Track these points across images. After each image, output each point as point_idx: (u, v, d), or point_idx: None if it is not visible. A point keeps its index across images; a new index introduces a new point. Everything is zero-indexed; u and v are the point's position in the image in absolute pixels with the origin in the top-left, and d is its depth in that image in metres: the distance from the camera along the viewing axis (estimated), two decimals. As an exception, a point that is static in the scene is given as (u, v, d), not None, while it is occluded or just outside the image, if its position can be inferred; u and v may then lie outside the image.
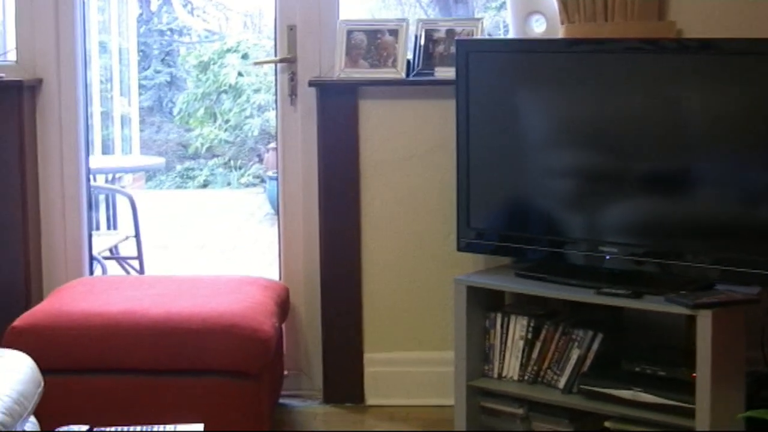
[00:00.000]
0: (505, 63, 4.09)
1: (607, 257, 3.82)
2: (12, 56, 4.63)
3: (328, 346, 4.48)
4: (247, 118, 11.11)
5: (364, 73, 4.36)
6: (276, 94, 4.60)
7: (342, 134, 4.38)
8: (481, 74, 4.04)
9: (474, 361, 4.02)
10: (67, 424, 3.11)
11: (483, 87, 4.05)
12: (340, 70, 4.36)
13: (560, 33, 4.09)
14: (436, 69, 4.33)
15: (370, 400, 4.46)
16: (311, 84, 4.37)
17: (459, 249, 4.16)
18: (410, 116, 4.39)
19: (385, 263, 4.43)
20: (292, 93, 4.47)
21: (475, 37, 4.31)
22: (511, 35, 4.34)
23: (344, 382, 4.46)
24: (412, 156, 4.39)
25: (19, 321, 3.85)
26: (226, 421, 3.73)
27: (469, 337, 3.98)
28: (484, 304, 4.04)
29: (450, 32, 4.33)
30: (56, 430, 3.08)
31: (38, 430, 3.20)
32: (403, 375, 4.44)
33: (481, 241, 4.10)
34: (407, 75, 4.35)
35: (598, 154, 3.94)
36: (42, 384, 3.22)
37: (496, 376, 4.03)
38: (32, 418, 3.17)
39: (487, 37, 4.45)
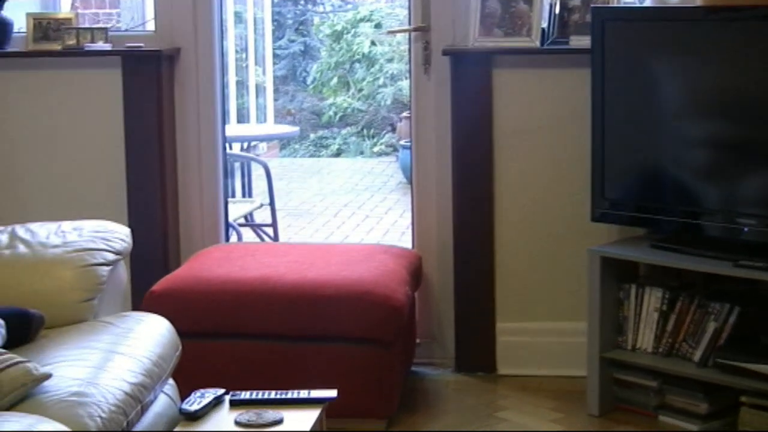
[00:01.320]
0: (641, 31, 4.03)
1: (745, 229, 3.74)
2: (150, 26, 4.73)
3: (460, 315, 4.48)
4: (380, 87, 11.14)
5: (498, 41, 4.34)
6: (410, 63, 4.60)
7: (475, 103, 4.37)
8: (617, 42, 3.99)
9: (607, 332, 3.99)
10: (203, 387, 3.18)
11: (618, 55, 3.99)
12: (474, 39, 4.35)
13: (698, 0, 4.01)
14: (571, 38, 4.28)
15: (502, 369, 4.45)
16: (445, 53, 4.36)
17: (593, 219, 4.12)
18: (544, 85, 4.36)
19: (518, 233, 4.42)
20: (426, 62, 4.47)
21: (611, 4, 4.25)
22: (647, 2, 4.27)
23: (476, 352, 4.47)
24: (546, 125, 4.36)
25: (158, 286, 3.93)
26: (359, 388, 3.76)
27: (602, 308, 3.95)
28: (618, 275, 4.00)
29: (585, 0, 4.27)
30: (193, 392, 3.14)
31: (176, 392, 3.27)
32: (536, 345, 4.42)
33: (615, 212, 4.06)
34: (542, 44, 4.31)
35: (735, 124, 3.85)
36: (179, 347, 3.30)
37: (629, 347, 3.99)
38: (170, 381, 3.24)
39: (623, 4, 4.38)
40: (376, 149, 11.10)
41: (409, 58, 4.60)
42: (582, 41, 4.20)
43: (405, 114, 9.95)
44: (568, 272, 4.34)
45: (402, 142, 9.60)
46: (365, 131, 11.30)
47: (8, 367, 2.65)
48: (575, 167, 4.28)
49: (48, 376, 2.70)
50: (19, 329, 3.01)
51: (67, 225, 3.48)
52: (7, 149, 4.64)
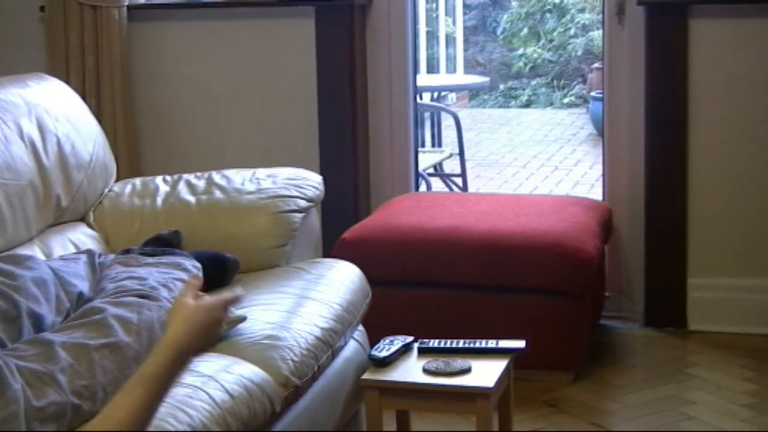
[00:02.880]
0: None
1: None
2: (345, -24, 4.75)
3: (650, 269, 4.41)
4: (571, 37, 11.00)
5: (696, -10, 4.23)
6: (603, 12, 4.52)
7: (671, 54, 4.27)
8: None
9: (804, 290, 3.88)
10: (393, 334, 3.21)
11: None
12: (670, -13, 4.25)
13: None
14: (773, -15, 4.14)
15: (693, 325, 4.37)
16: (640, 2, 4.27)
17: (792, 173, 4.00)
18: (744, 36, 4.23)
19: (712, 186, 4.32)
20: (620, 11, 4.39)
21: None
22: None
23: (666, 306, 4.39)
24: (744, 78, 4.24)
25: (349, 233, 3.99)
26: (547, 339, 3.75)
27: (799, 265, 3.84)
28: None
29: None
30: (382, 339, 3.18)
31: (365, 338, 3.32)
32: (729, 301, 4.33)
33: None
34: (742, -8, 4.19)
35: None
36: (369, 294, 3.34)
37: (827, 306, 3.88)
38: (360, 327, 3.29)
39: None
40: (566, 100, 10.99)
41: (603, 7, 4.52)
42: (784, -11, 4.06)
43: (596, 65, 9.82)
44: (764, 227, 4.22)
45: (593, 93, 9.47)
46: (555, 82, 11.19)
47: (205, 309, 2.73)
48: (775, 120, 4.16)
49: (243, 319, 2.77)
50: (215, 273, 3.09)
51: (261, 172, 3.55)
52: (203, 99, 4.76)
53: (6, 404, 2.04)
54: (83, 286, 2.69)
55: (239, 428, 2.40)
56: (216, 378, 2.46)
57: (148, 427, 1.96)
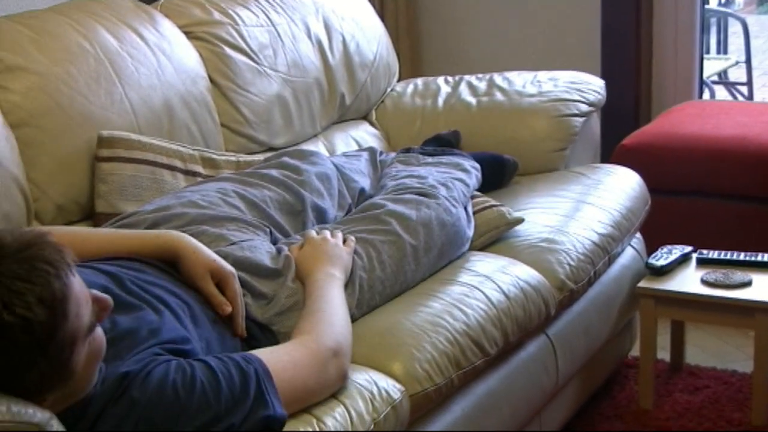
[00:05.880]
0: None
1: None
2: None
3: None
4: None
5: None
6: None
7: None
8: None
9: None
10: (670, 243, 3.16)
11: None
12: None
13: None
14: None
15: None
16: None
17: None
18: None
19: None
20: None
21: None
22: None
23: None
24: None
25: (629, 140, 3.91)
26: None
27: None
28: None
29: None
30: (660, 248, 3.14)
31: (642, 246, 3.27)
32: None
33: None
34: None
35: None
36: (648, 202, 3.29)
37: None
38: (637, 235, 3.25)
39: None
40: None
41: None
42: None
43: None
44: None
45: None
46: None
47: (484, 209, 2.75)
48: None
49: (521, 221, 2.78)
50: (493, 174, 3.11)
51: (542, 75, 3.53)
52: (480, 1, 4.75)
53: None
54: (365, 182, 2.75)
55: (514, 329, 2.42)
56: (492, 278, 2.48)
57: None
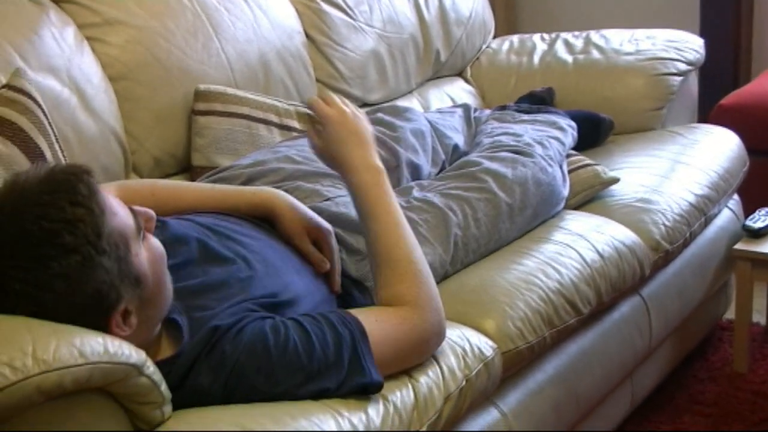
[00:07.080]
0: None
1: None
2: None
3: None
4: None
5: None
6: None
7: None
8: None
9: None
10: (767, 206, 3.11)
11: None
12: None
13: None
14: None
15: None
16: None
17: None
18: None
19: None
20: None
21: None
22: None
23: None
24: None
25: (727, 100, 3.85)
26: None
27: None
28: None
29: None
30: (758, 210, 3.09)
31: (740, 208, 3.23)
32: None
33: None
34: None
35: None
36: (747, 163, 3.23)
37: None
38: (735, 196, 3.20)
39: None
40: None
41: None
42: None
43: None
44: None
45: None
46: None
47: (579, 168, 2.73)
48: None
49: (616, 180, 2.75)
50: (589, 133, 3.08)
51: (640, 33, 3.48)
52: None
53: None
54: (458, 139, 2.74)
55: (607, 289, 2.40)
56: (586, 237, 2.46)
57: None
